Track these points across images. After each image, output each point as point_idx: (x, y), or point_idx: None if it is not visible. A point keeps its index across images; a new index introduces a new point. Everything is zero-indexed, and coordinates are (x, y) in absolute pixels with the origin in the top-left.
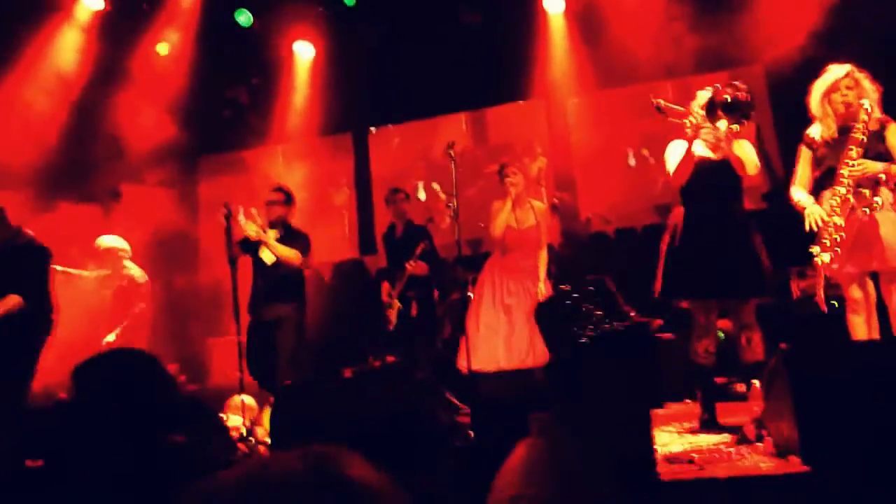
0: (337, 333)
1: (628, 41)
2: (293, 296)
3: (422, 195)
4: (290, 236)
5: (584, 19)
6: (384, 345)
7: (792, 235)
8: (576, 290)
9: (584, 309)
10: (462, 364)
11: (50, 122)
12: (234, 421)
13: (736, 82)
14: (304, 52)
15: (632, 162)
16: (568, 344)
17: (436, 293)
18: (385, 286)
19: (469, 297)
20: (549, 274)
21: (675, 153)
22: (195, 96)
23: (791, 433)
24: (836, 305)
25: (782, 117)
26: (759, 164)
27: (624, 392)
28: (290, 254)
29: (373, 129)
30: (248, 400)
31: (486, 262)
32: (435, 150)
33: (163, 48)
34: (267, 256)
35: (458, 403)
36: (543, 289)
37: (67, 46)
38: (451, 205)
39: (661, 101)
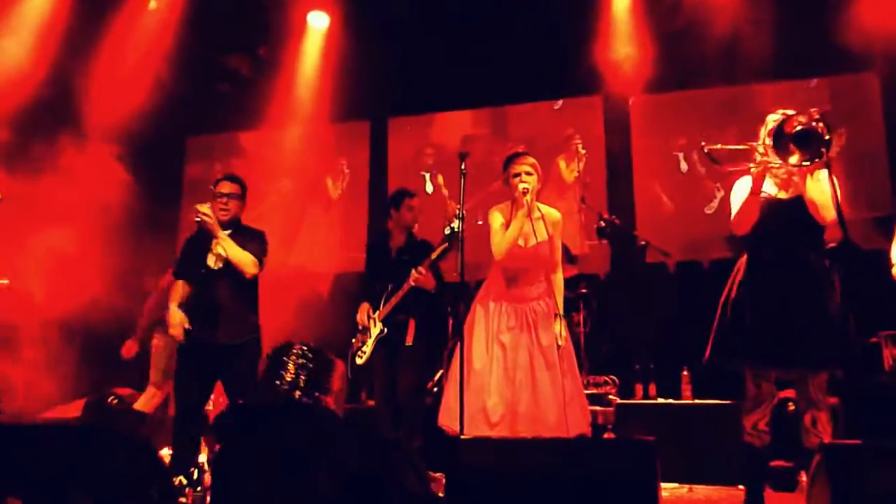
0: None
1: (709, 35)
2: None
3: (429, 188)
4: (245, 235)
5: (655, 6)
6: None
7: (886, 293)
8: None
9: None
10: (443, 421)
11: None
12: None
13: (812, 110)
14: (317, 23)
15: (683, 167)
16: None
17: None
18: (363, 307)
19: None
20: (589, 310)
21: (739, 193)
22: (188, 64)
23: None
24: None
25: None
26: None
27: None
28: (244, 258)
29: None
30: None
31: (482, 286)
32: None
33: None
34: (212, 261)
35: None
36: (561, 329)
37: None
38: (454, 222)
39: (708, 146)
